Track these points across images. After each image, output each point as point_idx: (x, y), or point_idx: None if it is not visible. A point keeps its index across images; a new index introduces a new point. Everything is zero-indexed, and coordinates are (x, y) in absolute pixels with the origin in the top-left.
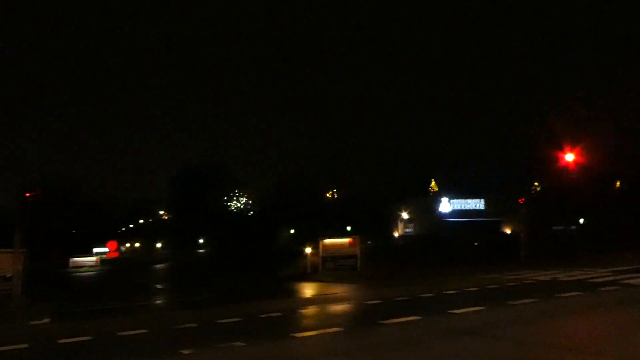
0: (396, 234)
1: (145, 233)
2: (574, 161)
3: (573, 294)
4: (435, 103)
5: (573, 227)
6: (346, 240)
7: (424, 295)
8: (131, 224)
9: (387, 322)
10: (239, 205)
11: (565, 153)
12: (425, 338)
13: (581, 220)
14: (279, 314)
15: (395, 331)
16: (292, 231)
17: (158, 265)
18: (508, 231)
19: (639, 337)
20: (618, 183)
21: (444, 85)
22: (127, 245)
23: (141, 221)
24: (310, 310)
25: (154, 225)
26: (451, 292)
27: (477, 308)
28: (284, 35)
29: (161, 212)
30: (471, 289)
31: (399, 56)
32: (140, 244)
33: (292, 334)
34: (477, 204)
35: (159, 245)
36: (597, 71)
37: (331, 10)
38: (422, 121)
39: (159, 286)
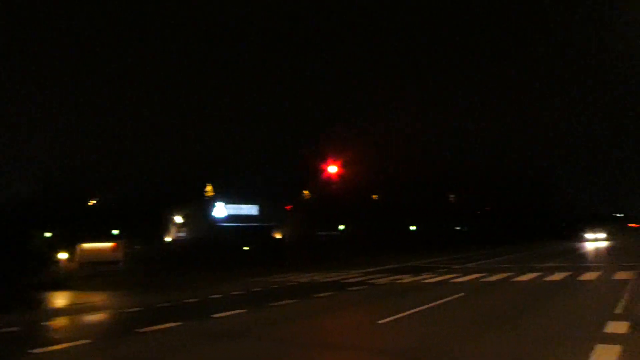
0: (169, 238)
1: None
2: (337, 173)
3: (328, 293)
4: (215, 110)
5: (335, 233)
6: (108, 244)
7: (188, 300)
8: None
9: (145, 330)
10: None
11: (328, 165)
12: (186, 344)
13: (341, 227)
14: (17, 328)
15: (154, 339)
16: (49, 235)
17: None
18: (279, 236)
19: (383, 328)
20: (375, 195)
21: (225, 94)
22: None
23: None
24: (58, 321)
25: None
26: (217, 296)
27: (240, 311)
28: None
29: None
30: (237, 293)
31: (170, 60)
32: None
33: (30, 351)
34: (251, 209)
35: None
36: (363, 99)
37: None
38: (202, 126)
39: None
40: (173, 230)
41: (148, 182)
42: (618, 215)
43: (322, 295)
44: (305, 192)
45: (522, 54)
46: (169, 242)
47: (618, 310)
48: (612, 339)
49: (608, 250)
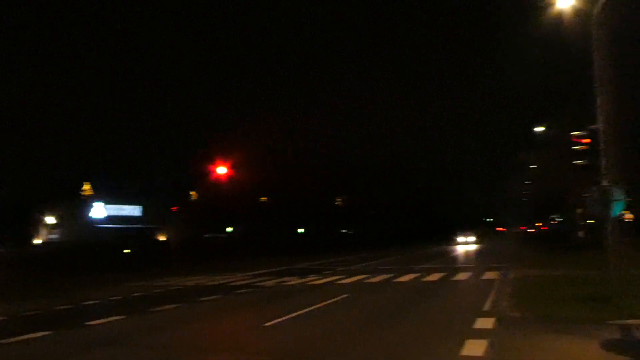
0: (39, 241)
1: None
2: (226, 174)
3: (214, 297)
4: (96, 104)
5: (223, 235)
6: None
7: (60, 307)
8: None
9: (9, 341)
10: None
11: (217, 166)
12: (56, 355)
13: (229, 229)
14: None
15: (18, 351)
16: None
17: None
18: (163, 238)
19: (269, 331)
20: (264, 198)
21: (111, 89)
22: None
23: None
24: None
25: None
26: (93, 302)
27: (118, 317)
28: None
29: None
30: (115, 298)
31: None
32: None
33: None
34: (134, 210)
35: None
36: (254, 99)
37: None
38: (81, 121)
39: None
40: (44, 231)
41: (17, 179)
42: (488, 220)
43: (207, 299)
44: (193, 193)
45: (409, 63)
46: (39, 245)
47: (486, 307)
48: (480, 334)
49: (478, 252)
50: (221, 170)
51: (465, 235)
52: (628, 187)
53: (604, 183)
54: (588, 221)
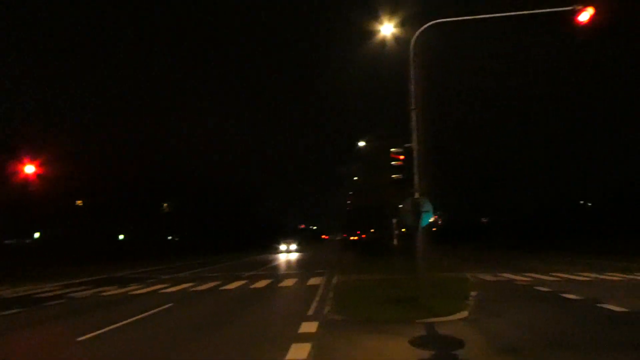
0: None
1: None
2: (35, 173)
3: (16, 310)
4: None
5: (28, 240)
6: None
7: None
8: None
9: None
10: None
11: (25, 165)
12: None
13: (37, 234)
14: None
15: None
16: None
17: None
18: None
19: (83, 346)
20: (79, 201)
21: None
22: None
23: None
24: None
25: None
26: None
27: None
28: None
29: None
30: None
31: None
32: None
33: None
34: None
35: None
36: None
37: None
38: None
39: None
40: None
41: None
42: (313, 227)
43: (8, 313)
44: None
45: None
46: None
47: (310, 312)
48: (304, 338)
49: (303, 259)
50: (29, 169)
51: (288, 243)
52: (436, 200)
53: (416, 195)
54: (402, 230)
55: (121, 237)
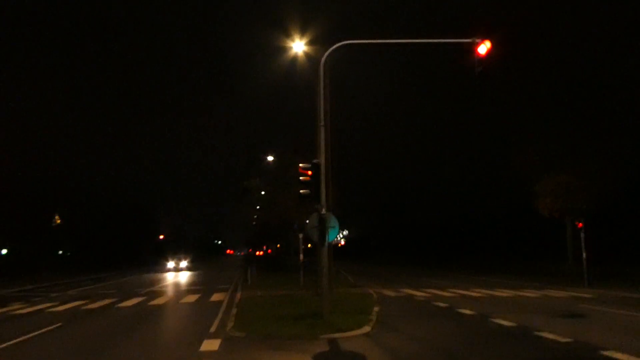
0: None
1: None
2: None
3: None
4: None
5: None
6: None
7: None
8: None
9: None
10: None
11: None
12: None
13: None
14: None
15: None
16: None
17: None
18: None
19: None
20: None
21: None
22: None
23: None
24: None
25: None
26: None
27: None
28: None
29: None
30: None
31: None
32: None
33: None
34: None
35: None
36: None
37: None
38: None
39: None
40: None
41: None
42: (218, 242)
43: None
44: None
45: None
46: None
47: (213, 329)
48: (206, 356)
49: (205, 275)
50: None
51: (177, 259)
52: (341, 217)
53: (322, 211)
54: (308, 245)
55: (4, 251)
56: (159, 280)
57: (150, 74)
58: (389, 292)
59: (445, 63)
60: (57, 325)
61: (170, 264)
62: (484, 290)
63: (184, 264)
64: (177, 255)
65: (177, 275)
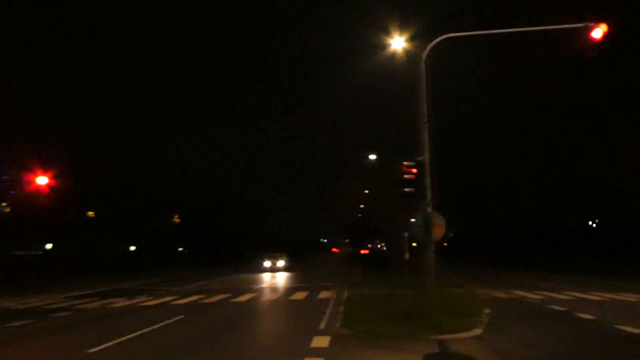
0: None
1: None
2: (47, 185)
3: (24, 322)
4: None
5: (38, 252)
6: None
7: None
8: None
9: None
10: None
11: (37, 176)
12: None
13: (49, 246)
14: None
15: None
16: None
17: None
18: None
19: (95, 357)
20: (92, 212)
21: None
22: None
23: None
24: None
25: None
26: None
27: None
28: None
29: None
30: None
31: None
32: None
33: None
34: None
35: None
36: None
37: None
38: None
39: None
40: None
41: None
42: (324, 241)
43: (16, 324)
44: (4, 204)
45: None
46: None
47: (322, 326)
48: (317, 352)
49: (309, 273)
50: (42, 180)
51: (273, 259)
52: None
53: (427, 209)
54: (413, 244)
55: (132, 248)
56: (262, 280)
57: (250, 81)
58: (499, 294)
59: (549, 52)
60: (180, 317)
61: (267, 264)
62: (604, 294)
63: (281, 263)
64: (272, 254)
65: (274, 275)
